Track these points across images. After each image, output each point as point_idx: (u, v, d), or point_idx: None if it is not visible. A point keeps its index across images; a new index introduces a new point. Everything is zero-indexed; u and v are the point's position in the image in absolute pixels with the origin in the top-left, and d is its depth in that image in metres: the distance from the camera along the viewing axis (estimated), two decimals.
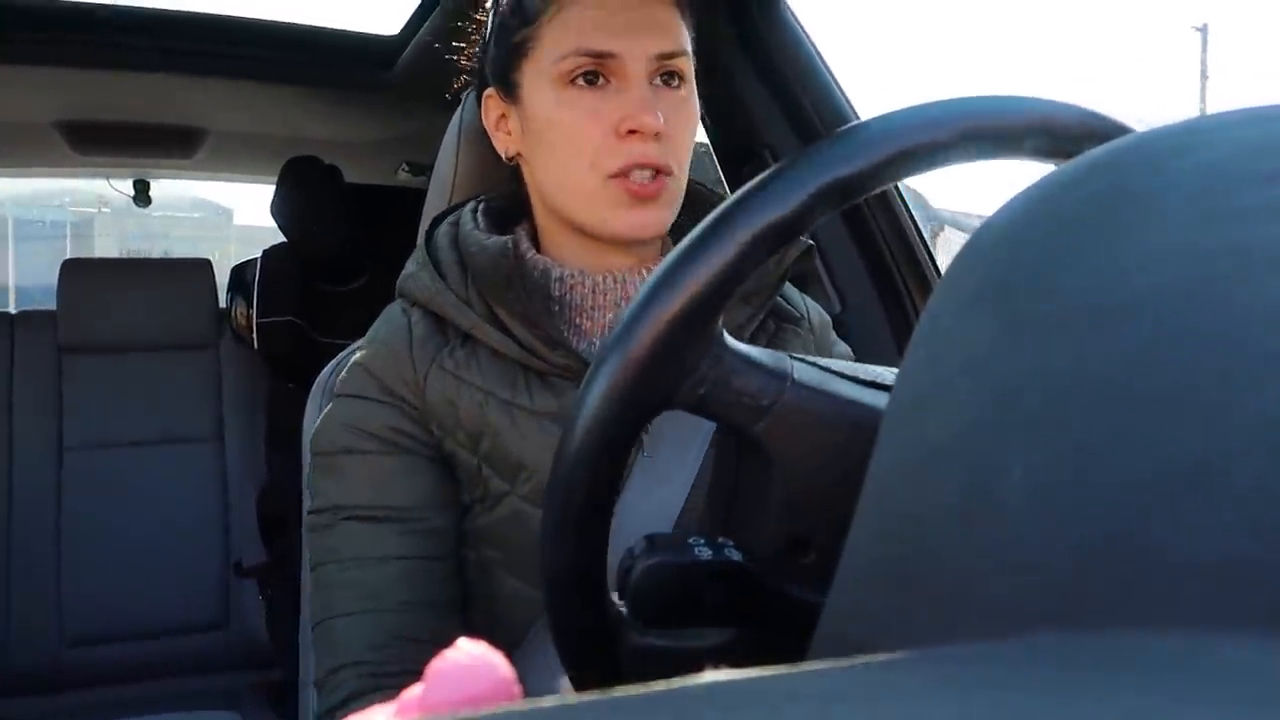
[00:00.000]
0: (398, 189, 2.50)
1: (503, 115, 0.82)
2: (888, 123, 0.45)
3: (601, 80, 0.75)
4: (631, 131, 0.73)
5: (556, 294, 0.80)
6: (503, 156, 0.83)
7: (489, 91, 0.82)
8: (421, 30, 1.73)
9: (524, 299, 0.76)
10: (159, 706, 2.08)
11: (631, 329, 0.44)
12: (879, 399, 0.49)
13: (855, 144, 0.45)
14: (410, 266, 0.83)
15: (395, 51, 1.86)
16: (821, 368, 0.50)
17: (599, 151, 0.74)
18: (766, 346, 0.84)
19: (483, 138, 0.90)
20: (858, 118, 1.30)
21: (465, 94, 0.93)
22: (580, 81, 0.75)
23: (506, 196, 0.86)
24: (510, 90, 0.79)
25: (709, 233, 0.44)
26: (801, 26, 1.30)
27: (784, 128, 1.33)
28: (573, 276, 0.80)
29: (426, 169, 2.20)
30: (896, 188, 1.32)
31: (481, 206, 0.84)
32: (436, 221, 0.86)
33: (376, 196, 2.39)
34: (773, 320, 0.86)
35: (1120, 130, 0.47)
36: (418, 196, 1.01)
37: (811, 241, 0.82)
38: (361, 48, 1.94)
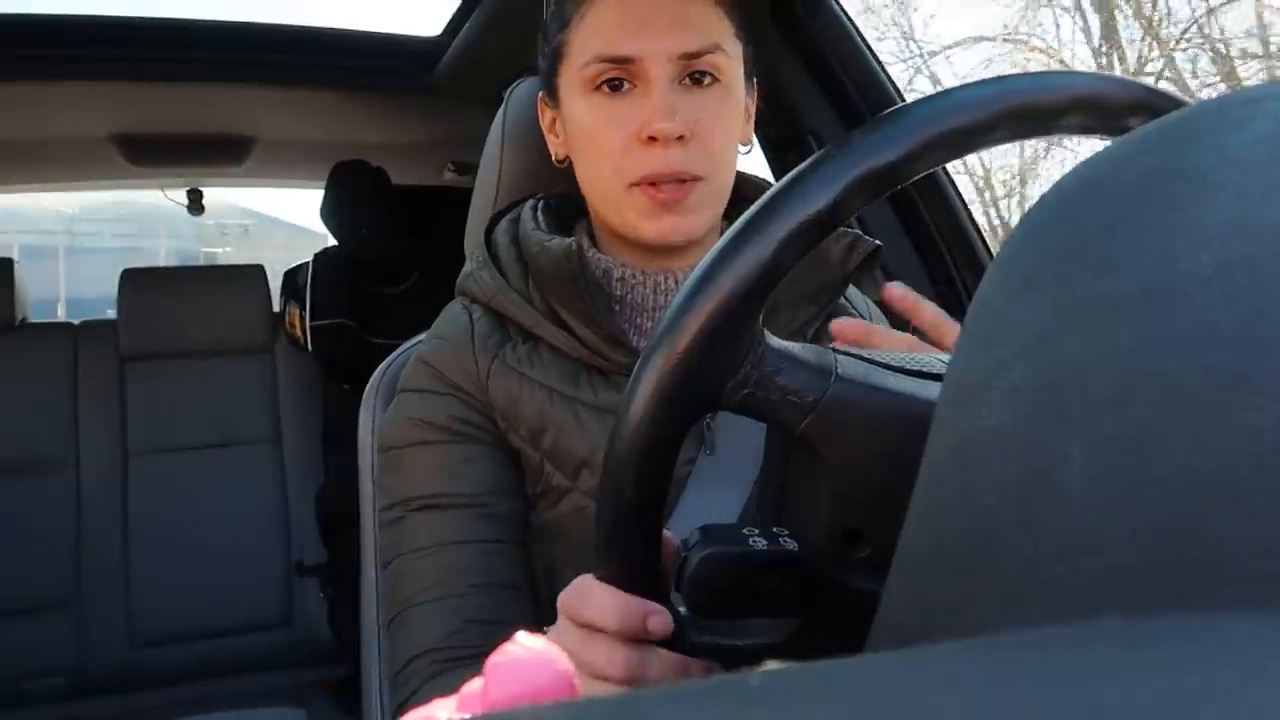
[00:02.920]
0: (444, 189, 2.52)
1: (554, 119, 0.82)
2: (926, 107, 0.45)
3: (626, 86, 0.74)
4: (652, 139, 0.72)
5: (618, 293, 0.80)
6: (554, 160, 0.83)
7: (541, 95, 0.83)
8: (463, 31, 1.74)
9: (586, 299, 0.76)
10: (227, 704, 2.13)
11: (670, 333, 0.44)
12: (927, 389, 0.48)
13: (892, 131, 0.44)
14: (470, 265, 0.83)
15: (437, 53, 1.87)
16: (867, 360, 0.49)
17: (621, 159, 0.74)
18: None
19: (526, 136, 0.91)
20: (903, 99, 1.28)
21: (508, 93, 0.93)
22: (605, 88, 0.74)
23: (565, 194, 0.86)
24: (553, 95, 0.80)
25: (743, 232, 0.43)
26: (843, 9, 1.29)
27: (828, 112, 1.32)
28: (633, 276, 0.80)
29: (472, 168, 2.22)
30: (945, 169, 1.31)
31: (541, 204, 0.84)
32: (495, 219, 0.86)
33: (423, 197, 2.41)
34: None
35: (1171, 103, 0.46)
36: (464, 196, 1.02)
37: (879, 243, 0.80)
38: (404, 50, 1.96)
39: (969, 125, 0.44)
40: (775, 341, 0.47)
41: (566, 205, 0.85)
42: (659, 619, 0.48)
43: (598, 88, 0.74)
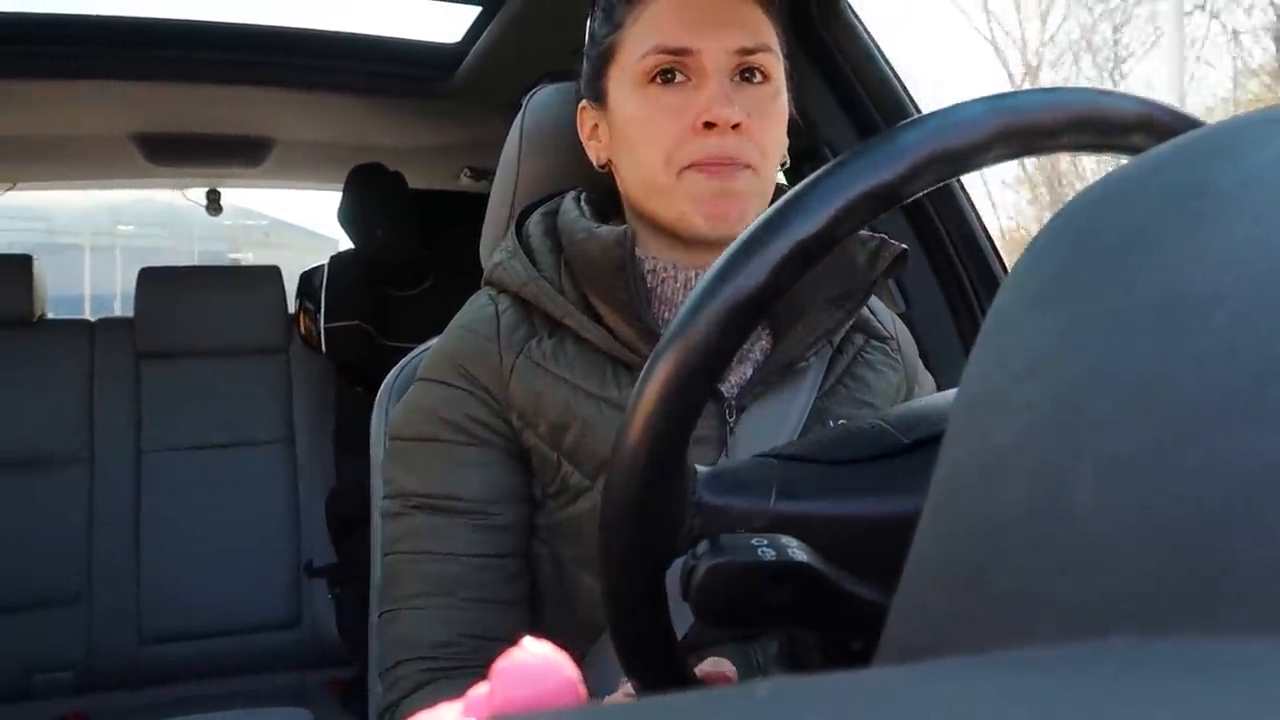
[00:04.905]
0: (460, 194, 2.53)
1: (595, 125, 0.83)
2: (838, 174, 0.43)
3: (680, 78, 0.76)
4: (709, 125, 0.73)
5: (649, 285, 0.80)
6: (595, 165, 0.83)
7: (583, 104, 0.83)
8: (482, 37, 1.75)
9: (630, 288, 0.76)
10: (234, 703, 2.13)
11: (606, 521, 0.45)
12: (866, 480, 0.49)
13: (812, 203, 0.42)
14: (499, 255, 0.83)
15: (457, 59, 1.88)
16: (803, 458, 0.50)
17: (676, 146, 0.74)
18: (852, 362, 0.83)
19: (544, 142, 0.91)
20: (918, 110, 1.28)
21: (526, 99, 0.94)
22: (659, 80, 0.76)
23: (606, 191, 0.86)
24: (599, 97, 0.81)
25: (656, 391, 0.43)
26: (859, 19, 1.29)
27: (843, 124, 1.32)
28: (665, 269, 0.80)
29: (488, 174, 2.23)
30: (960, 183, 1.30)
31: (584, 196, 0.84)
32: (527, 212, 0.86)
33: (439, 202, 2.42)
34: (860, 335, 0.85)
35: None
36: (479, 201, 1.02)
37: (904, 247, 0.79)
38: (424, 55, 1.97)
39: (892, 180, 0.42)
40: (706, 474, 0.48)
41: (604, 202, 0.86)
42: None
43: (652, 80, 0.76)
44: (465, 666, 0.73)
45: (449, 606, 0.74)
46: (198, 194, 2.81)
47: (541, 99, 0.93)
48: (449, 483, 0.77)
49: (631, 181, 0.79)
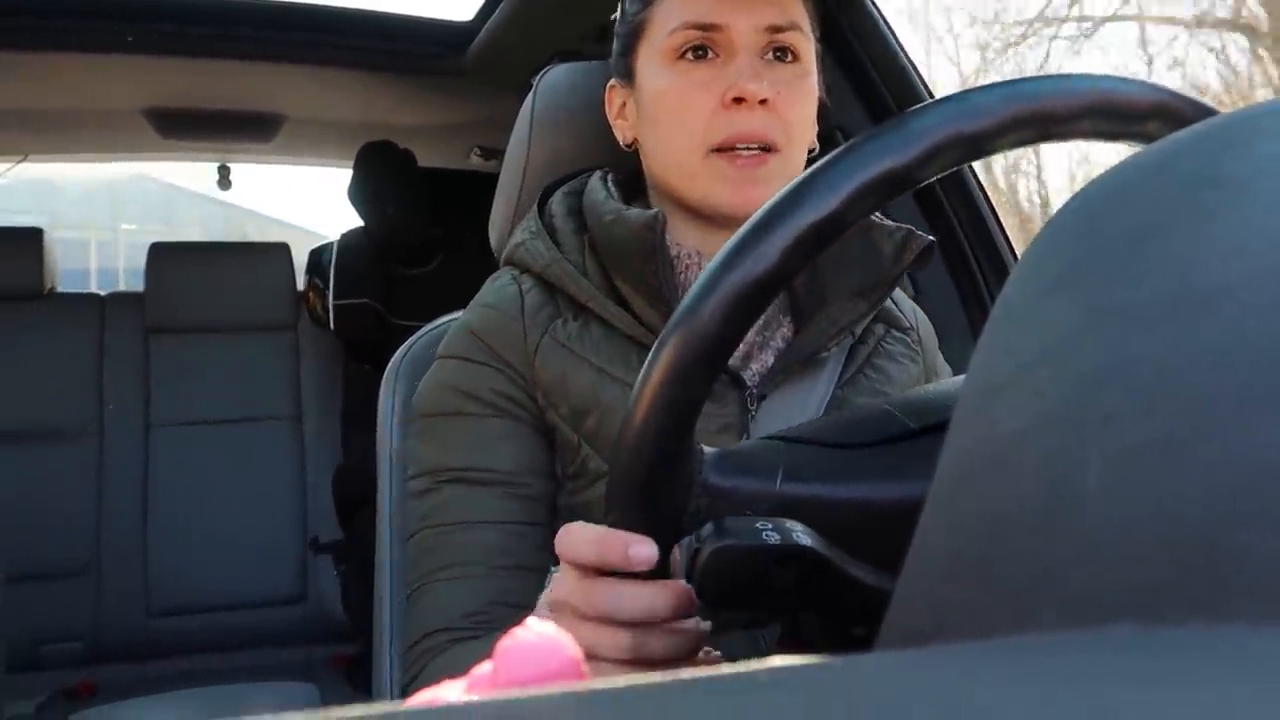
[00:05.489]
0: (470, 173, 2.52)
1: (623, 104, 0.83)
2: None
3: (710, 54, 0.75)
4: (737, 100, 0.73)
5: (675, 272, 0.80)
6: (622, 145, 0.83)
7: (611, 83, 0.83)
8: (494, 15, 1.74)
9: (660, 272, 0.75)
10: (239, 677, 2.15)
11: (612, 501, 0.45)
12: (869, 463, 0.49)
13: (824, 185, 0.42)
14: (521, 234, 0.82)
15: (469, 37, 1.87)
16: (810, 441, 0.50)
17: (705, 123, 0.74)
18: (873, 353, 0.83)
19: (555, 122, 0.91)
20: (932, 96, 1.27)
21: (537, 79, 0.93)
22: (689, 55, 0.75)
23: (631, 172, 0.86)
24: (627, 74, 0.81)
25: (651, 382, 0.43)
26: (874, 3, 1.28)
27: (856, 108, 1.31)
28: (689, 256, 0.80)
29: (498, 154, 2.22)
30: (971, 168, 1.30)
31: (610, 176, 0.83)
32: (549, 191, 0.86)
33: (449, 180, 2.42)
34: (882, 325, 0.85)
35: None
36: (489, 180, 1.02)
37: (933, 239, 0.78)
38: (435, 33, 1.96)
39: (897, 168, 0.42)
40: (712, 455, 0.48)
41: (629, 183, 0.85)
42: (640, 548, 0.46)
43: (681, 56, 0.76)
44: (492, 633, 0.72)
45: (480, 575, 0.73)
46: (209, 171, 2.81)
47: (552, 79, 0.92)
48: (478, 455, 0.76)
49: (657, 160, 0.79)
